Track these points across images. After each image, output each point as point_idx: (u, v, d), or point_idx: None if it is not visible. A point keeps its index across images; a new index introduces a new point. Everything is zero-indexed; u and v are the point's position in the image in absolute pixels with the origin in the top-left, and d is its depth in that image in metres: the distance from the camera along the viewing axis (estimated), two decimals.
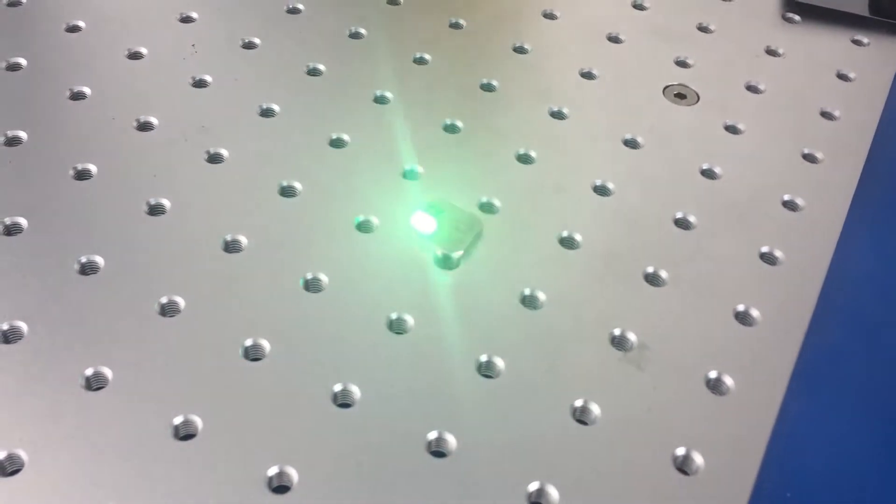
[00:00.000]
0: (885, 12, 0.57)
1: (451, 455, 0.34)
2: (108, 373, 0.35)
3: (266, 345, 0.37)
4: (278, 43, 0.53)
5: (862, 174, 0.47)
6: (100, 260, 0.39)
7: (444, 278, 0.40)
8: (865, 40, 0.57)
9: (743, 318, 0.40)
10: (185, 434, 0.34)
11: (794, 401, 0.37)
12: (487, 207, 0.44)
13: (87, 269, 0.39)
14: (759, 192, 0.46)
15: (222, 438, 0.34)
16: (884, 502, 0.35)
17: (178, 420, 0.34)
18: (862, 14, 0.57)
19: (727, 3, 0.59)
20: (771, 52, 0.55)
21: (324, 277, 0.40)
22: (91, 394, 0.35)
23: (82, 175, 0.43)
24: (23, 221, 0.41)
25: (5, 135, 0.45)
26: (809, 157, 0.48)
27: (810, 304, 0.40)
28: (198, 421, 0.34)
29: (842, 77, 0.54)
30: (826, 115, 0.51)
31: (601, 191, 0.45)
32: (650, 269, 0.41)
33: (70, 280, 0.39)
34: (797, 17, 0.58)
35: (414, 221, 0.41)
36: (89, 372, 0.35)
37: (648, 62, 0.54)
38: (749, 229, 0.44)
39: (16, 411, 0.34)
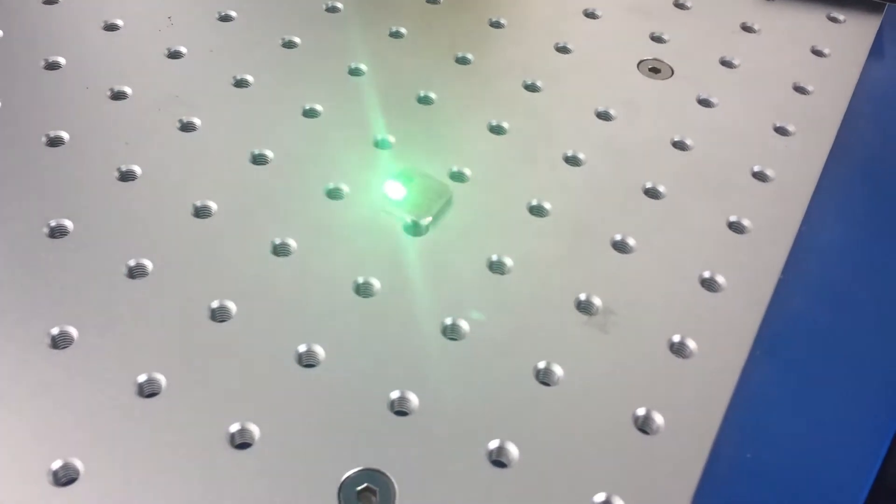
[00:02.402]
0: None
1: (413, 414, 0.34)
2: (73, 332, 0.36)
3: (232, 306, 0.37)
4: (254, 16, 0.53)
5: (833, 147, 0.47)
6: (69, 224, 0.40)
7: (412, 244, 0.41)
8: (841, 17, 0.57)
9: (709, 284, 0.40)
10: (149, 392, 0.34)
11: (756, 365, 0.37)
12: (458, 176, 0.44)
13: (56, 233, 0.39)
14: (730, 164, 0.46)
15: (186, 396, 0.34)
16: (843, 465, 0.35)
17: (142, 378, 0.34)
18: None
19: None
20: (747, 28, 0.55)
21: (292, 242, 0.40)
22: (57, 352, 0.35)
23: (55, 142, 0.44)
24: None
25: None
26: (781, 130, 0.48)
27: (775, 271, 0.41)
28: (162, 379, 0.34)
29: (816, 53, 0.54)
30: (799, 89, 0.51)
31: (572, 161, 0.45)
32: (618, 237, 0.42)
33: (39, 243, 0.39)
34: None
35: (385, 188, 0.42)
36: (55, 331, 0.35)
37: (624, 37, 0.54)
38: (718, 199, 0.44)
39: None
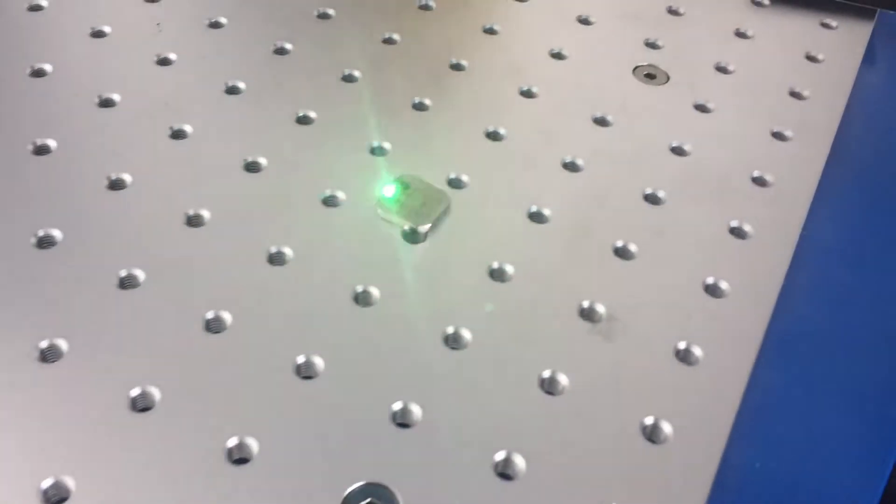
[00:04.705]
0: None
1: (417, 426, 0.33)
2: (63, 345, 0.34)
3: (227, 317, 0.36)
4: (245, 23, 0.52)
5: (830, 151, 0.47)
6: (57, 234, 0.39)
7: (411, 252, 0.40)
8: (834, 23, 0.57)
9: (712, 290, 0.39)
10: (142, 406, 0.33)
11: (764, 371, 0.37)
12: (456, 183, 0.43)
13: (44, 243, 0.38)
14: (729, 169, 0.46)
15: (181, 410, 0.33)
16: (850, 472, 0.35)
17: (135, 392, 0.33)
18: None
19: None
20: (740, 34, 0.55)
21: (288, 251, 0.39)
22: (46, 366, 0.34)
23: (41, 150, 0.43)
24: None
25: None
26: (779, 135, 0.48)
27: (779, 276, 0.40)
28: (156, 393, 0.33)
29: (811, 59, 0.54)
30: (795, 94, 0.51)
31: (571, 167, 0.45)
32: (619, 243, 0.41)
33: (26, 254, 0.38)
34: (766, 1, 0.58)
35: (382, 195, 0.41)
36: (44, 344, 0.34)
37: (618, 44, 0.54)
38: (718, 204, 0.43)
39: None
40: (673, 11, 0.57)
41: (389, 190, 0.41)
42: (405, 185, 0.41)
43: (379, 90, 0.48)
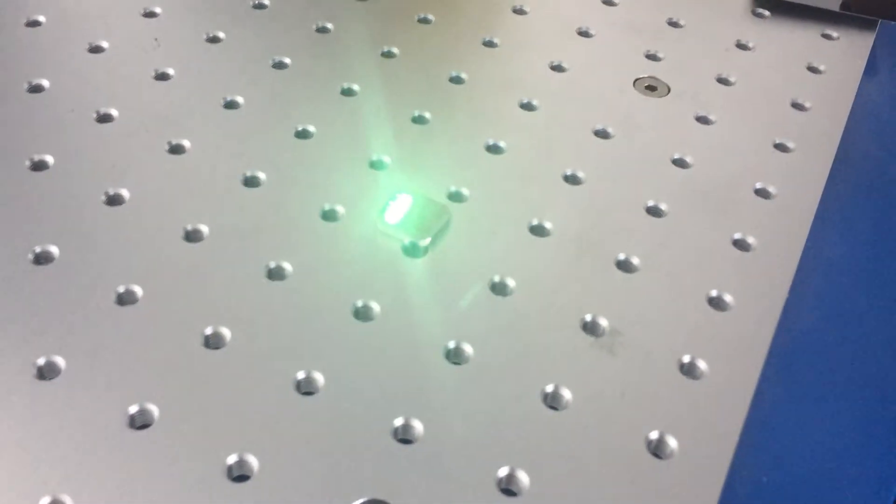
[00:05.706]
0: (857, 7, 0.57)
1: (418, 442, 0.33)
2: (61, 362, 0.34)
3: (227, 333, 0.36)
4: (244, 37, 0.52)
5: (833, 162, 0.47)
6: (55, 250, 0.38)
7: (411, 266, 0.39)
8: (835, 34, 0.57)
9: (716, 303, 0.39)
10: (141, 424, 0.33)
11: (769, 385, 0.36)
12: (456, 197, 0.43)
13: (42, 259, 0.38)
14: (732, 181, 0.45)
15: (180, 427, 0.32)
16: (857, 486, 0.34)
17: (133, 409, 0.33)
18: (831, 9, 0.57)
19: None
20: (741, 45, 0.55)
21: (287, 266, 0.39)
22: (43, 383, 0.33)
23: (39, 166, 0.42)
24: None
25: None
26: (781, 147, 0.48)
27: (784, 288, 0.40)
28: (154, 410, 0.33)
29: (812, 70, 0.54)
30: (797, 106, 0.51)
31: (572, 180, 0.44)
32: (622, 256, 0.41)
33: (24, 270, 0.37)
34: (767, 13, 0.58)
35: (382, 210, 0.40)
36: (41, 361, 0.34)
37: (619, 56, 0.53)
38: (721, 216, 0.43)
39: None
40: (673, 23, 0.56)
41: (389, 204, 0.41)
42: (405, 199, 0.41)
43: (378, 104, 0.48)
